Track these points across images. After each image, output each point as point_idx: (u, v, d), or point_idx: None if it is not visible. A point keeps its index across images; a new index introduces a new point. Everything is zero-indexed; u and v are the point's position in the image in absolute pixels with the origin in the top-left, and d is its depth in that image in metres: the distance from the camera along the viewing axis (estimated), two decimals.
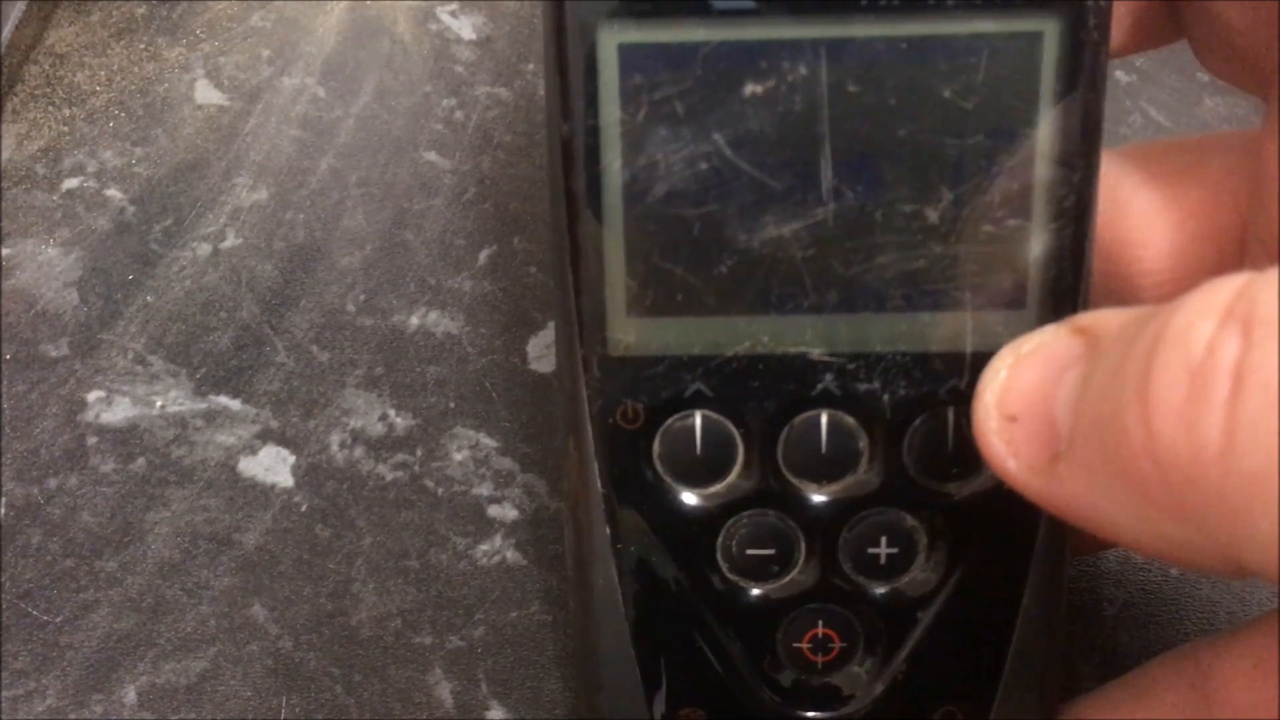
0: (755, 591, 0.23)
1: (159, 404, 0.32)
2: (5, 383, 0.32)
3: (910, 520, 0.23)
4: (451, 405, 0.32)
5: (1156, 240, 0.24)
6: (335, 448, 0.31)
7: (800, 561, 0.23)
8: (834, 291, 0.22)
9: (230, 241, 0.35)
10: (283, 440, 0.31)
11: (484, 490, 0.31)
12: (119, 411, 0.32)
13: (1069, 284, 0.22)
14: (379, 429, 0.32)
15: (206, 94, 0.38)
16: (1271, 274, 0.16)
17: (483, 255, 0.35)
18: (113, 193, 0.35)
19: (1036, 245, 0.21)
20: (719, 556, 0.23)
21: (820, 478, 0.23)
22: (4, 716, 0.27)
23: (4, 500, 0.30)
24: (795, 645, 0.23)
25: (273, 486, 0.31)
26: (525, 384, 0.32)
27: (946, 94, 0.21)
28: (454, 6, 0.40)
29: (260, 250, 0.34)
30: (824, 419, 0.22)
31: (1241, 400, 0.15)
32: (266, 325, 0.33)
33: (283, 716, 0.28)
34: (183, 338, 0.33)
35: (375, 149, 0.36)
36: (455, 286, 0.34)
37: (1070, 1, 0.20)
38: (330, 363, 0.33)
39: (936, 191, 0.21)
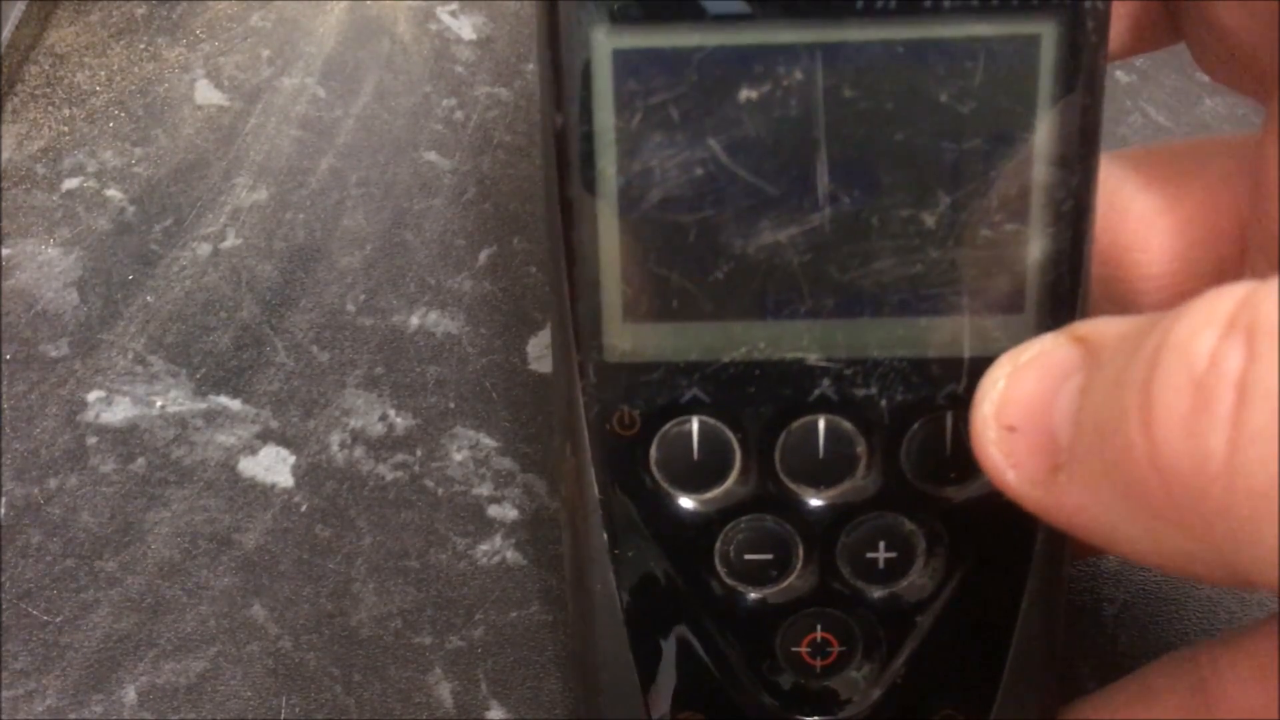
0: (754, 596, 0.23)
1: (159, 404, 0.32)
2: (5, 383, 0.32)
3: (908, 524, 0.23)
4: (451, 405, 0.32)
5: (1156, 244, 0.24)
6: (335, 448, 0.31)
7: (798, 566, 0.23)
8: (831, 297, 0.22)
9: (230, 241, 0.35)
10: (283, 440, 0.31)
11: (484, 490, 0.31)
12: (119, 411, 0.32)
13: (1067, 288, 0.21)
14: (379, 429, 0.32)
15: (206, 94, 0.37)
16: (1274, 284, 0.16)
17: (483, 255, 0.35)
18: (113, 193, 0.35)
19: (1035, 249, 0.21)
20: (717, 561, 0.23)
21: (818, 483, 0.23)
22: (4, 716, 0.28)
23: (4, 500, 0.30)
24: (794, 649, 0.23)
25: (273, 486, 0.31)
26: (525, 384, 0.32)
27: (944, 98, 0.21)
28: (454, 6, 0.40)
29: (260, 250, 0.34)
30: (821, 424, 0.22)
31: (1245, 411, 0.15)
32: (266, 325, 0.33)
33: (283, 716, 0.28)
34: (183, 338, 0.33)
35: (375, 149, 0.36)
36: (455, 286, 0.34)
37: (1068, 4, 0.20)
38: (330, 363, 0.33)
39: (934, 196, 0.21)
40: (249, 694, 0.28)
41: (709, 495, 0.23)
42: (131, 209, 0.35)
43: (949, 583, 0.23)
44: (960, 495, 0.22)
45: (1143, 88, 0.38)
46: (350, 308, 0.33)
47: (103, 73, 0.38)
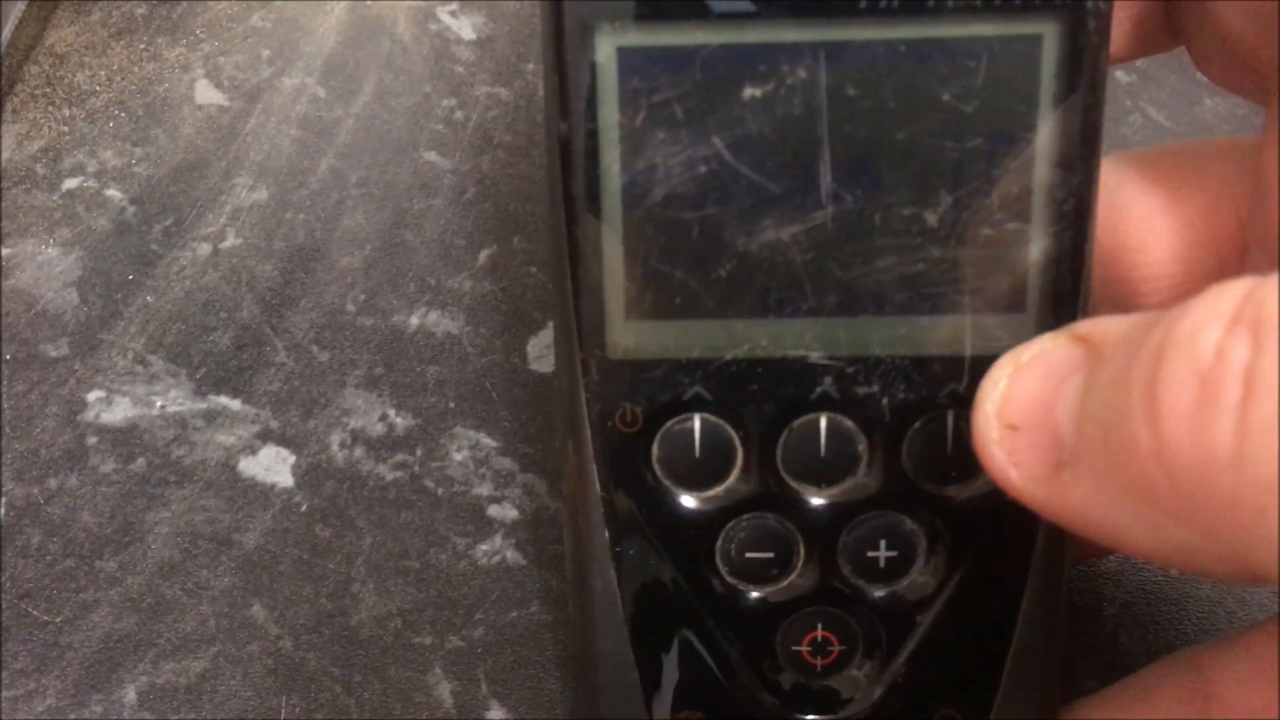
0: (754, 594, 0.23)
1: (159, 404, 0.32)
2: (5, 383, 0.32)
3: (909, 523, 0.23)
4: (451, 405, 0.32)
5: (1156, 245, 0.24)
6: (335, 448, 0.31)
7: (799, 565, 0.23)
8: (833, 295, 0.22)
9: (230, 241, 0.35)
10: (283, 440, 0.31)
11: (484, 490, 0.31)
12: (119, 411, 0.32)
13: (1068, 288, 0.21)
14: (379, 429, 0.32)
15: (206, 94, 0.37)
16: (1276, 279, 0.16)
17: (483, 255, 0.35)
18: (113, 193, 0.35)
19: (1036, 249, 0.21)
20: (718, 559, 0.23)
21: (819, 481, 0.23)
22: (4, 716, 0.28)
23: (4, 500, 0.30)
24: (794, 648, 0.23)
25: (273, 486, 0.31)
26: (525, 384, 0.32)
27: (946, 97, 0.21)
28: (454, 6, 0.40)
29: (260, 250, 0.34)
30: (823, 422, 0.22)
31: (1252, 404, 0.15)
32: (266, 325, 0.33)
33: (283, 716, 0.28)
34: (183, 338, 0.33)
35: (375, 149, 0.36)
36: (455, 286, 0.34)
37: (1070, 5, 0.20)
38: (330, 363, 0.33)
39: (936, 195, 0.21)
40: (249, 694, 0.28)
41: (710, 493, 0.23)
42: (131, 209, 0.35)
43: (949, 582, 0.23)
44: (961, 494, 0.22)
45: (1143, 88, 0.38)
46: (350, 308, 0.33)
47: (103, 73, 0.38)
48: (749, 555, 0.23)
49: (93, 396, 0.32)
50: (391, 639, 0.29)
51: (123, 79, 0.38)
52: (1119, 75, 0.39)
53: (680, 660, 0.23)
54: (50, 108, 0.37)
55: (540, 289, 0.34)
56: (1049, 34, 0.20)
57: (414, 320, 0.33)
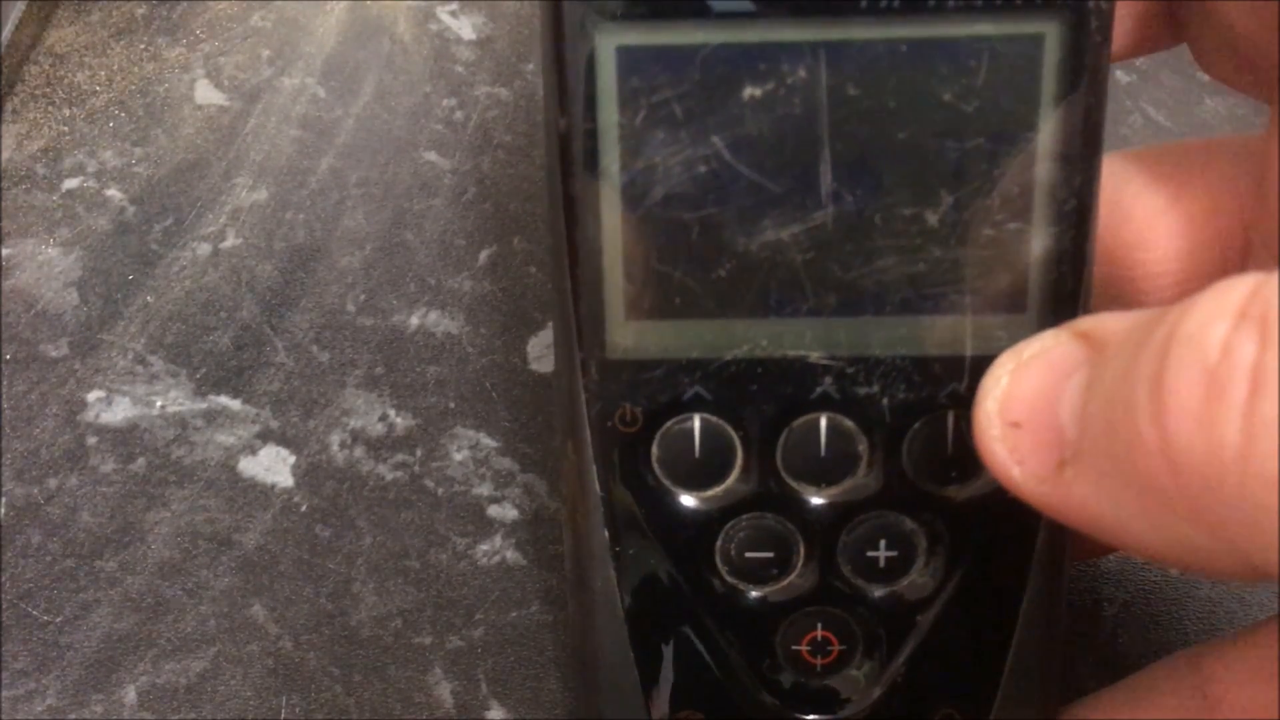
0: (754, 594, 0.23)
1: (159, 404, 0.32)
2: (5, 383, 0.32)
3: (909, 523, 0.23)
4: (451, 405, 0.32)
5: (1158, 244, 0.24)
6: (335, 448, 0.31)
7: (799, 564, 0.23)
8: (833, 295, 0.22)
9: (230, 241, 0.34)
10: (283, 440, 0.31)
11: (484, 490, 0.31)
12: (119, 411, 0.32)
13: (1070, 288, 0.21)
14: (379, 429, 0.32)
15: (206, 94, 0.37)
16: None
17: (483, 255, 0.35)
18: (113, 193, 0.35)
19: (1037, 248, 0.21)
20: (718, 559, 0.23)
21: (819, 481, 0.23)
22: (4, 716, 0.27)
23: (4, 500, 0.30)
24: (794, 648, 0.23)
25: (273, 486, 0.31)
26: (525, 384, 0.32)
27: (947, 97, 0.21)
28: (454, 6, 0.40)
29: (260, 250, 0.34)
30: (823, 422, 0.22)
31: (1259, 400, 0.15)
32: (266, 325, 0.33)
33: (283, 716, 0.28)
34: (183, 338, 0.33)
35: (375, 149, 0.36)
36: (455, 286, 0.34)
37: (1072, 4, 0.20)
38: (330, 363, 0.33)
39: (937, 195, 0.21)
40: (249, 694, 0.28)
41: (710, 493, 0.23)
42: (131, 209, 0.35)
43: (950, 582, 0.23)
44: (961, 494, 0.22)
45: (1143, 88, 0.38)
46: (350, 308, 0.33)
47: (103, 73, 0.38)
48: (749, 555, 0.23)
49: (93, 396, 0.32)
50: (391, 639, 0.29)
51: (123, 79, 0.38)
52: (1119, 75, 0.39)
53: (680, 660, 0.23)
54: (50, 108, 0.37)
55: (540, 289, 0.34)
56: (1051, 33, 0.20)
57: (414, 320, 0.33)
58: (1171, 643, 0.29)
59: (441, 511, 0.30)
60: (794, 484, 0.23)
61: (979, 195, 0.21)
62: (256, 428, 0.31)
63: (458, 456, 0.31)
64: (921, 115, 0.21)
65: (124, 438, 0.31)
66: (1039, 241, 0.21)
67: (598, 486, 0.23)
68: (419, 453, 0.31)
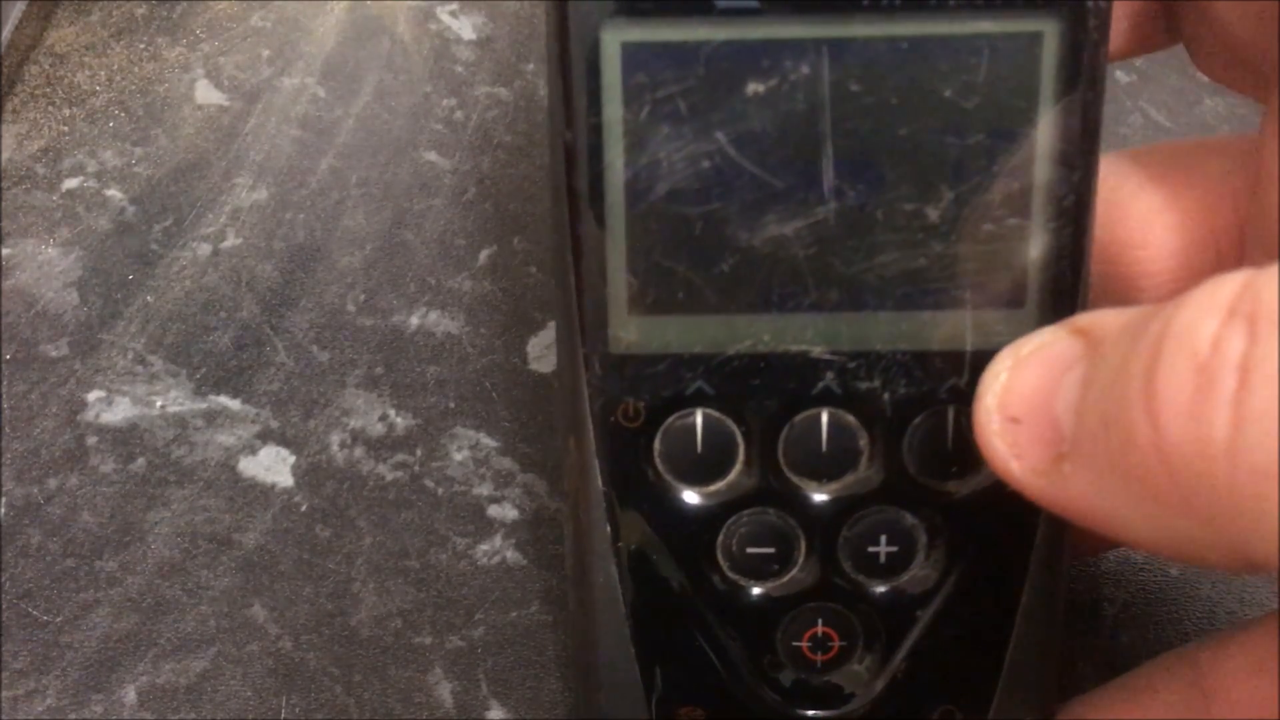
0: (755, 590, 0.23)
1: (159, 404, 0.32)
2: (5, 383, 0.32)
3: (910, 519, 0.23)
4: (451, 405, 0.32)
5: (1155, 241, 0.24)
6: (335, 448, 0.31)
7: (800, 560, 0.23)
8: (835, 290, 0.22)
9: (230, 241, 0.35)
10: (283, 440, 0.31)
11: (484, 490, 0.31)
12: (119, 411, 0.32)
13: (1068, 283, 0.22)
14: (379, 429, 0.32)
15: (206, 94, 0.38)
16: (1273, 270, 0.16)
17: (483, 255, 0.35)
18: (113, 193, 0.35)
19: (1036, 245, 0.21)
20: (719, 555, 0.23)
21: (821, 476, 0.23)
22: (4, 716, 0.27)
23: (4, 500, 0.30)
24: (795, 644, 0.23)
25: (273, 486, 0.31)
26: (525, 384, 0.32)
27: (947, 94, 0.21)
28: (454, 6, 0.40)
29: (260, 250, 0.34)
30: (825, 417, 0.22)
31: (1248, 395, 0.15)
32: (266, 325, 0.33)
33: (283, 716, 0.28)
34: (183, 338, 0.33)
35: (375, 149, 0.36)
36: (455, 286, 0.34)
37: (1070, 2, 0.20)
38: (330, 363, 0.33)
39: (937, 191, 0.21)
40: (249, 694, 0.28)
41: (712, 488, 0.23)
42: (131, 209, 0.35)
43: (950, 578, 0.23)
44: (962, 490, 0.23)
45: (1143, 88, 0.38)
46: (350, 308, 0.33)
47: (103, 73, 0.38)
48: (750, 550, 0.23)
49: (93, 396, 0.32)
50: (391, 639, 0.29)
51: (123, 79, 0.38)
52: (1118, 75, 0.39)
53: (681, 656, 0.24)
54: (50, 108, 0.37)
55: (540, 289, 0.34)
56: (1049, 31, 0.21)
57: (414, 320, 0.33)
58: (1171, 642, 0.29)
59: (441, 511, 0.30)
60: (795, 479, 0.23)
61: (978, 191, 0.21)
62: (256, 428, 0.31)
63: (458, 456, 0.31)
64: (922, 112, 0.21)
65: (124, 438, 0.31)
66: (1038, 237, 0.21)
67: (600, 482, 0.23)
68: (419, 453, 0.31)
